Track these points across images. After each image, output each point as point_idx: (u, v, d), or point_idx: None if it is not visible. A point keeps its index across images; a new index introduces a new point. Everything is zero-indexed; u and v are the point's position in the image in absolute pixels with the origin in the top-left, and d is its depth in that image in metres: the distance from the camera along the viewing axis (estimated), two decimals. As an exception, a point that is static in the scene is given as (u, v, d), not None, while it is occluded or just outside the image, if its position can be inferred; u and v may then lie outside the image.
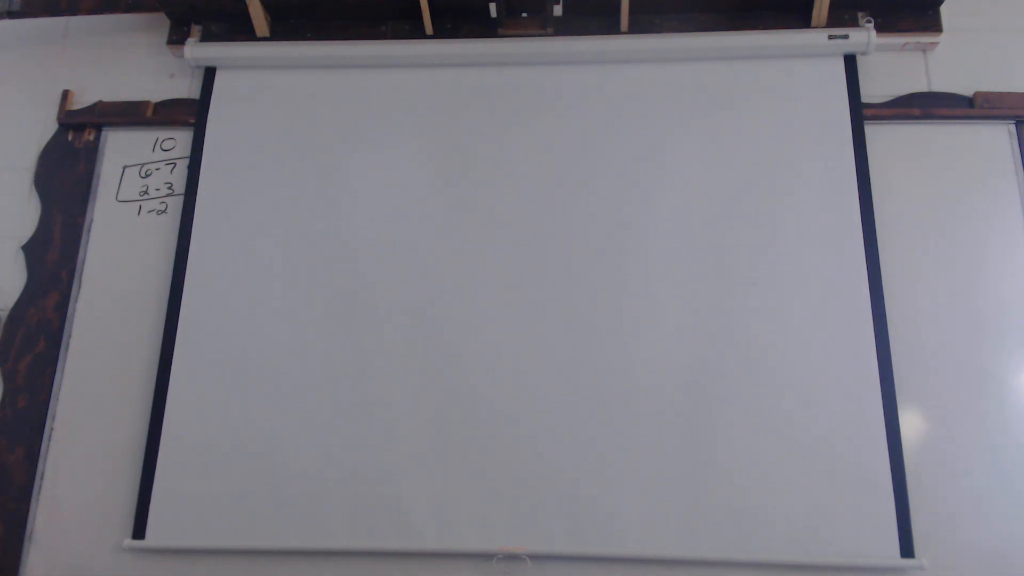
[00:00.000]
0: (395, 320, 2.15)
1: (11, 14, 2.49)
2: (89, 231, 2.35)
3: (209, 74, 2.44)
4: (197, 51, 2.42)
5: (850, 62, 2.30)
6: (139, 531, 2.03)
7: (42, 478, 2.14)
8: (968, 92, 2.28)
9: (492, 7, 2.31)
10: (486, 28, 2.41)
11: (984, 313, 2.09)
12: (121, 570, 2.04)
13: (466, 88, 2.37)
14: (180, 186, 2.36)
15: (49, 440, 2.16)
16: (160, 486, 2.06)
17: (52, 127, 2.47)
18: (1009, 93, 2.27)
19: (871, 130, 2.24)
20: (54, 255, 2.32)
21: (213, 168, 2.34)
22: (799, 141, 2.23)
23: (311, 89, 2.40)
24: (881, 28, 2.30)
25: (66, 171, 2.40)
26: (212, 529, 2.02)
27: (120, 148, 2.43)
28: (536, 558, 1.96)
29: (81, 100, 2.49)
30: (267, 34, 2.46)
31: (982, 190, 2.19)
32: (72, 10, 2.51)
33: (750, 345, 2.06)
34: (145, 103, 2.45)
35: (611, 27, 2.38)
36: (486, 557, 1.97)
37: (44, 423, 2.17)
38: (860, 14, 2.34)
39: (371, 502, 2.01)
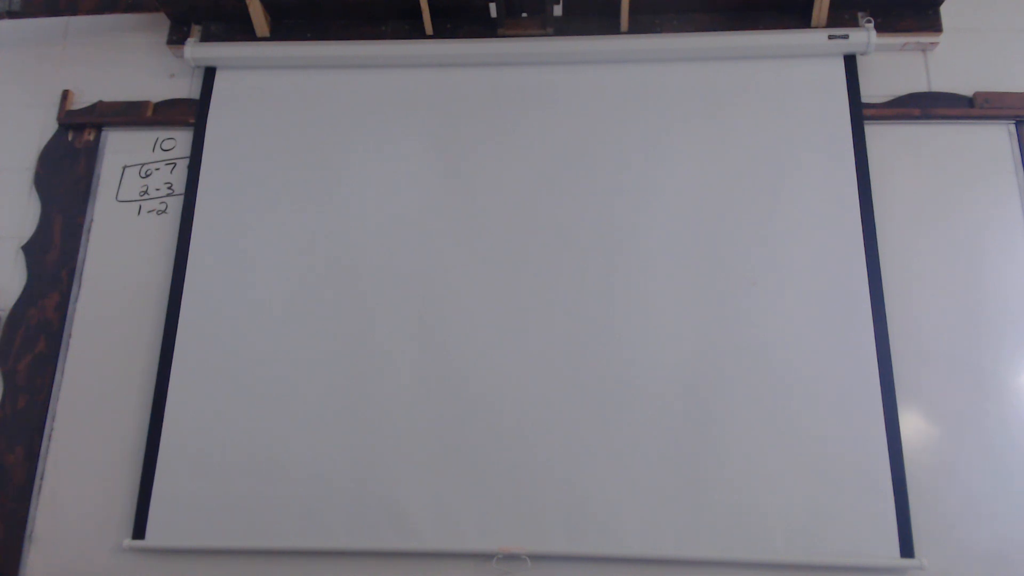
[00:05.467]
0: (395, 320, 2.15)
1: (11, 14, 2.49)
2: (89, 231, 2.35)
3: (209, 74, 2.44)
4: (197, 51, 2.42)
5: (850, 62, 2.30)
6: (139, 531, 2.03)
7: (42, 478, 2.14)
8: (968, 92, 2.28)
9: (492, 7, 2.31)
10: (486, 28, 2.41)
11: (984, 313, 2.09)
12: (121, 570, 2.04)
13: (466, 88, 2.37)
14: (180, 186, 2.36)
15: (49, 440, 2.17)
16: (160, 486, 2.06)
17: (52, 127, 2.47)
18: (1009, 93, 2.27)
19: (871, 130, 2.24)
20: (54, 255, 2.32)
21: (213, 168, 2.34)
22: (799, 141, 2.23)
23: (311, 89, 2.40)
24: (881, 28, 2.30)
25: (66, 171, 2.40)
26: (212, 529, 2.02)
27: (120, 148, 2.43)
28: (536, 558, 1.96)
29: (81, 100, 2.49)
30: (267, 34, 2.46)
31: (982, 190, 2.19)
32: (72, 10, 2.51)
33: (750, 345, 2.06)
34: (145, 103, 2.45)
35: (611, 27, 2.38)
36: (486, 557, 1.97)
37: (44, 423, 2.17)
38: (860, 14, 2.34)
39: (371, 502, 2.01)
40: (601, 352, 2.09)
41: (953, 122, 2.26)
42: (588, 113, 2.31)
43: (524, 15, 2.41)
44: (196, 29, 2.49)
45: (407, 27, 2.43)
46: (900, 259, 2.14)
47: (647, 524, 1.95)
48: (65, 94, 2.49)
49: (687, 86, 2.31)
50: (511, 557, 1.96)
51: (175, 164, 2.39)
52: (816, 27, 2.32)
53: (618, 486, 1.98)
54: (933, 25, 2.32)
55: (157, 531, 2.03)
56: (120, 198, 2.38)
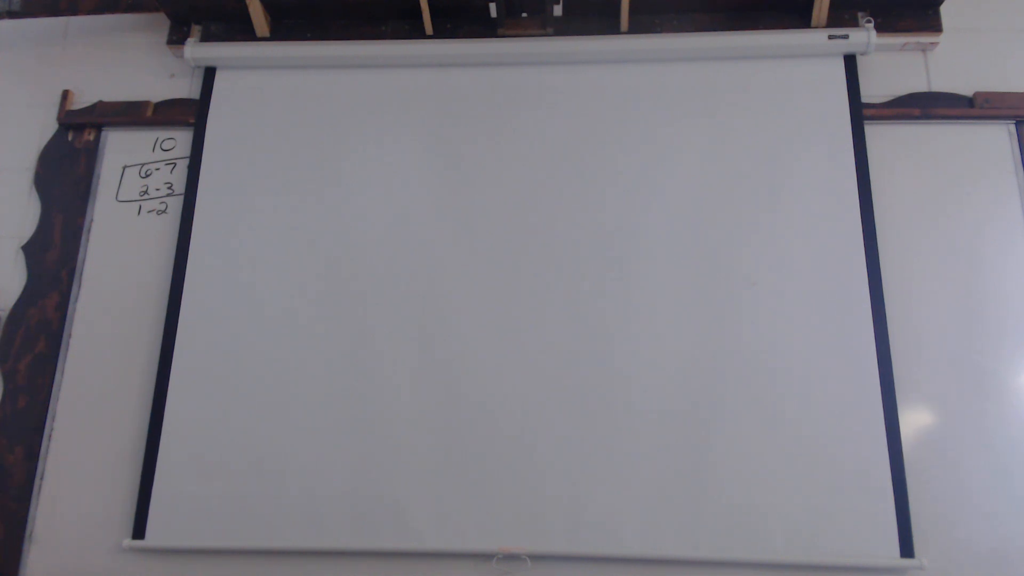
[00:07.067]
0: (395, 320, 2.15)
1: (11, 14, 2.49)
2: (89, 231, 2.35)
3: (209, 74, 2.44)
4: (197, 51, 2.42)
5: (850, 62, 2.30)
6: (139, 531, 2.03)
7: (42, 478, 2.14)
8: (968, 92, 2.28)
9: (492, 7, 2.31)
10: (486, 28, 2.41)
11: (984, 313, 2.09)
12: (121, 570, 2.04)
13: (466, 88, 2.37)
14: (180, 186, 2.36)
15: (49, 440, 2.17)
16: (160, 486, 2.06)
17: (52, 127, 2.47)
18: (1009, 93, 2.27)
19: (871, 130, 2.24)
20: (54, 255, 2.32)
21: (213, 168, 2.34)
22: (799, 141, 2.23)
23: (311, 89, 2.40)
24: (881, 28, 2.30)
25: (66, 171, 2.40)
26: (212, 529, 2.02)
27: (120, 148, 2.43)
28: (536, 558, 1.96)
29: (81, 100, 2.49)
30: (267, 34, 2.46)
31: (982, 190, 2.19)
32: (72, 10, 2.51)
33: (750, 345, 2.06)
34: (145, 103, 2.45)
35: (611, 27, 2.38)
36: (486, 557, 1.97)
37: (44, 423, 2.17)
38: (860, 14, 2.34)
39: (371, 502, 2.01)
40: (601, 351, 2.09)
41: (953, 122, 2.26)
42: (588, 113, 2.31)
43: (524, 15, 2.41)
44: (196, 29, 2.49)
45: (407, 27, 2.43)
46: (900, 259, 2.14)
47: (647, 524, 1.95)
48: (65, 94, 2.49)
49: (687, 86, 2.31)
50: (511, 557, 1.96)
51: (175, 164, 2.40)
52: (816, 27, 2.32)
53: (618, 486, 1.98)
54: (933, 25, 2.32)
55: (157, 531, 2.03)
56: (120, 198, 2.38)
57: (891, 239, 2.15)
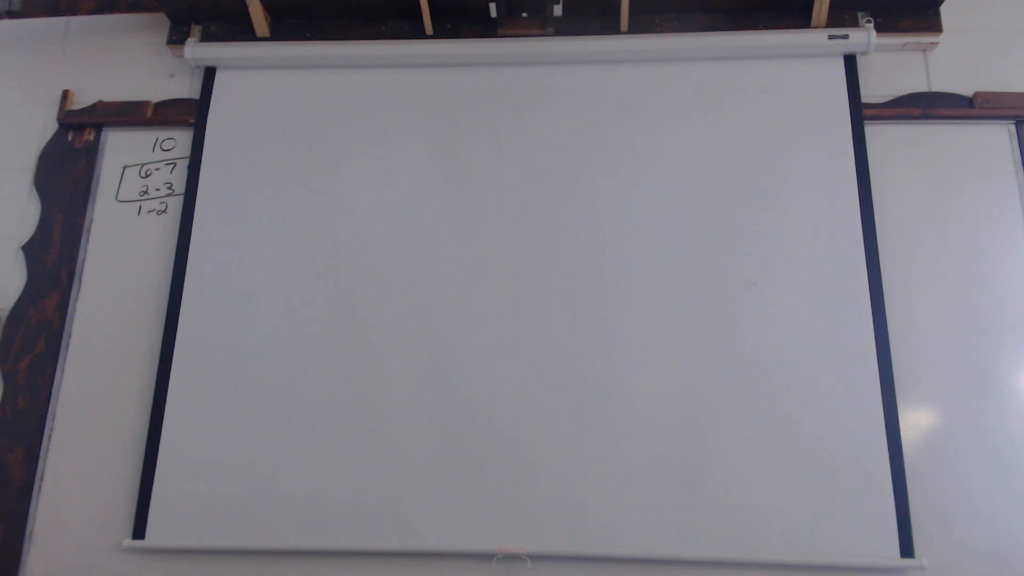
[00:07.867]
0: (394, 321, 2.15)
1: (11, 14, 2.49)
2: (89, 231, 2.35)
3: (209, 74, 2.44)
4: (197, 51, 2.42)
5: (850, 62, 2.30)
6: (139, 531, 2.03)
7: (42, 478, 2.14)
8: (968, 92, 2.28)
9: (492, 7, 2.31)
10: (486, 28, 2.41)
11: (984, 313, 2.09)
12: (121, 570, 2.04)
13: (466, 88, 2.37)
14: (180, 186, 2.36)
15: (49, 440, 2.17)
16: (160, 486, 2.06)
17: (52, 127, 2.47)
18: (1009, 93, 2.27)
19: (871, 130, 2.24)
20: (54, 255, 2.32)
21: (213, 168, 2.34)
22: (799, 141, 2.23)
23: (311, 89, 2.40)
24: (881, 28, 2.30)
25: (66, 171, 2.40)
26: (212, 529, 2.02)
27: (120, 148, 2.43)
28: (536, 558, 1.96)
29: (81, 100, 2.49)
30: (267, 34, 2.46)
31: (982, 190, 2.19)
32: (72, 10, 2.51)
33: (750, 345, 2.06)
34: (145, 103, 2.45)
35: (611, 27, 2.38)
36: (486, 557, 1.97)
37: (44, 423, 2.17)
38: (860, 14, 2.34)
39: (371, 502, 2.01)
40: (600, 351, 2.09)
41: (953, 122, 2.26)
42: (588, 113, 2.31)
43: (524, 15, 2.41)
44: (196, 29, 2.49)
45: (407, 27, 2.43)
46: (900, 259, 2.14)
47: (647, 524, 1.95)
48: (65, 94, 2.49)
49: (687, 86, 2.31)
50: (511, 557, 1.96)
51: (175, 164, 2.40)
52: (816, 27, 2.32)
53: (618, 486, 1.98)
54: (933, 25, 2.32)
55: (157, 531, 2.03)
56: (120, 198, 2.38)
57: (891, 239, 2.15)
